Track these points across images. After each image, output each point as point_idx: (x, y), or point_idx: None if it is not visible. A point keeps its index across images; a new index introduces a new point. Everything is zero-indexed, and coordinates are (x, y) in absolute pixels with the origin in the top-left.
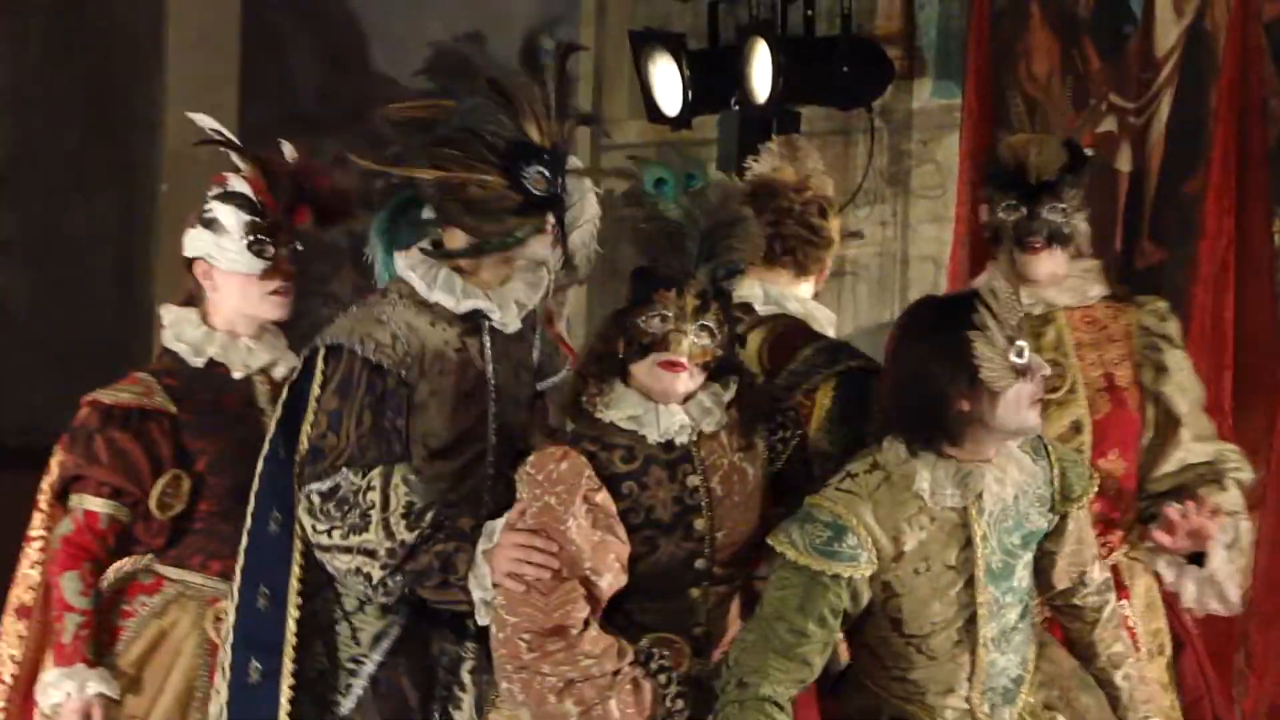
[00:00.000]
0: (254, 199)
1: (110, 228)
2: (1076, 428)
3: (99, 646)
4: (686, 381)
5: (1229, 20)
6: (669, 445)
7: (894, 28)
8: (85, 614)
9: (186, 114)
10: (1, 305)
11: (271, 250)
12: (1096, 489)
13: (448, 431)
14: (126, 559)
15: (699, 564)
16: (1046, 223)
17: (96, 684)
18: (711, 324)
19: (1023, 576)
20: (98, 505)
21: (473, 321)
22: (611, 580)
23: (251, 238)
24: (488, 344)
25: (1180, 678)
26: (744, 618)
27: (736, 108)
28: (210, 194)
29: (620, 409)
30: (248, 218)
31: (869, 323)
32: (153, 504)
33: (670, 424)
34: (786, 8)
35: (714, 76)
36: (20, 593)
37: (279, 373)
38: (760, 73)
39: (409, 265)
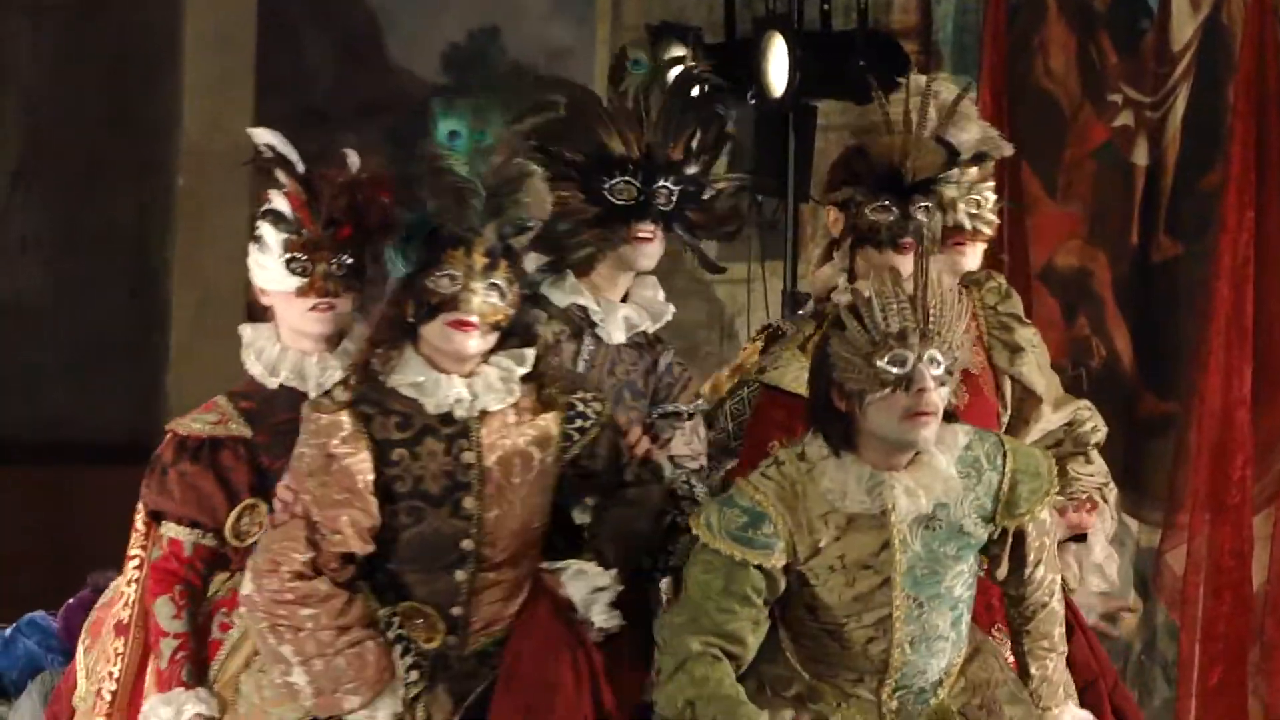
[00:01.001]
0: (291, 215)
1: (128, 224)
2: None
3: (198, 668)
4: (478, 341)
5: (1245, 14)
6: (448, 418)
7: (910, 22)
8: (179, 637)
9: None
10: (20, 302)
11: (309, 267)
12: (1054, 496)
13: None
14: (219, 579)
15: (465, 544)
16: (917, 223)
17: (194, 706)
18: (501, 282)
19: (954, 585)
20: (180, 533)
21: (575, 325)
22: (342, 543)
23: (288, 255)
24: (587, 347)
25: (1070, 664)
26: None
27: (753, 101)
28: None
29: (403, 374)
30: (284, 235)
31: None
32: (229, 534)
33: (448, 395)
34: (803, 2)
35: (730, 70)
36: (119, 610)
37: None
38: (777, 67)
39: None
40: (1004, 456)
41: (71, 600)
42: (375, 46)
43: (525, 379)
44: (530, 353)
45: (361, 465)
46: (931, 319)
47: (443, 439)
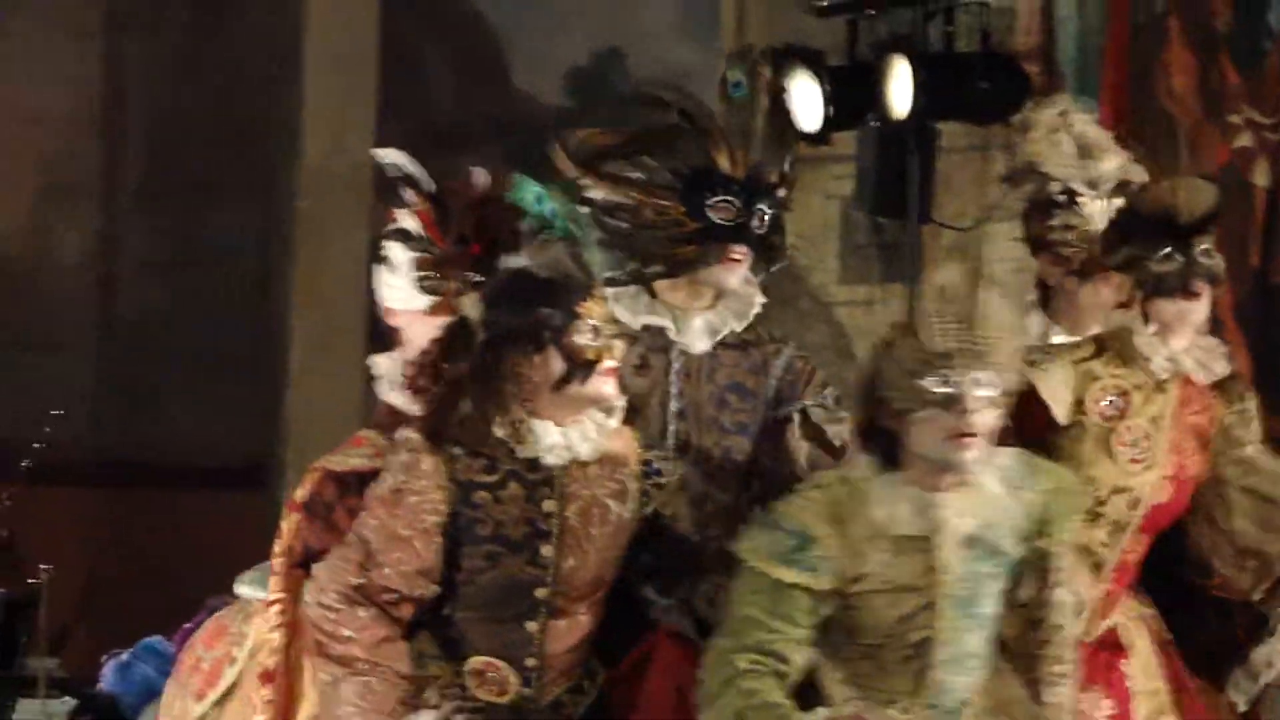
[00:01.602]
0: (420, 234)
1: (248, 242)
2: (1133, 505)
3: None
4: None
5: None
6: (534, 464)
7: (1033, 43)
8: None
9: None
10: (142, 319)
11: (440, 285)
12: (1083, 521)
13: None
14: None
15: (539, 592)
16: (1203, 265)
17: None
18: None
19: (989, 604)
20: None
21: (657, 339)
22: (388, 579)
23: (419, 274)
24: (676, 359)
25: None
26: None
27: (875, 124)
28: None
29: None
30: (414, 254)
31: None
32: None
33: (543, 443)
34: (927, 24)
35: (853, 92)
36: (264, 658)
37: None
38: (899, 89)
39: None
40: (1039, 476)
41: (189, 625)
42: (498, 67)
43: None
44: (622, 403)
45: (433, 507)
46: (981, 340)
47: (526, 485)
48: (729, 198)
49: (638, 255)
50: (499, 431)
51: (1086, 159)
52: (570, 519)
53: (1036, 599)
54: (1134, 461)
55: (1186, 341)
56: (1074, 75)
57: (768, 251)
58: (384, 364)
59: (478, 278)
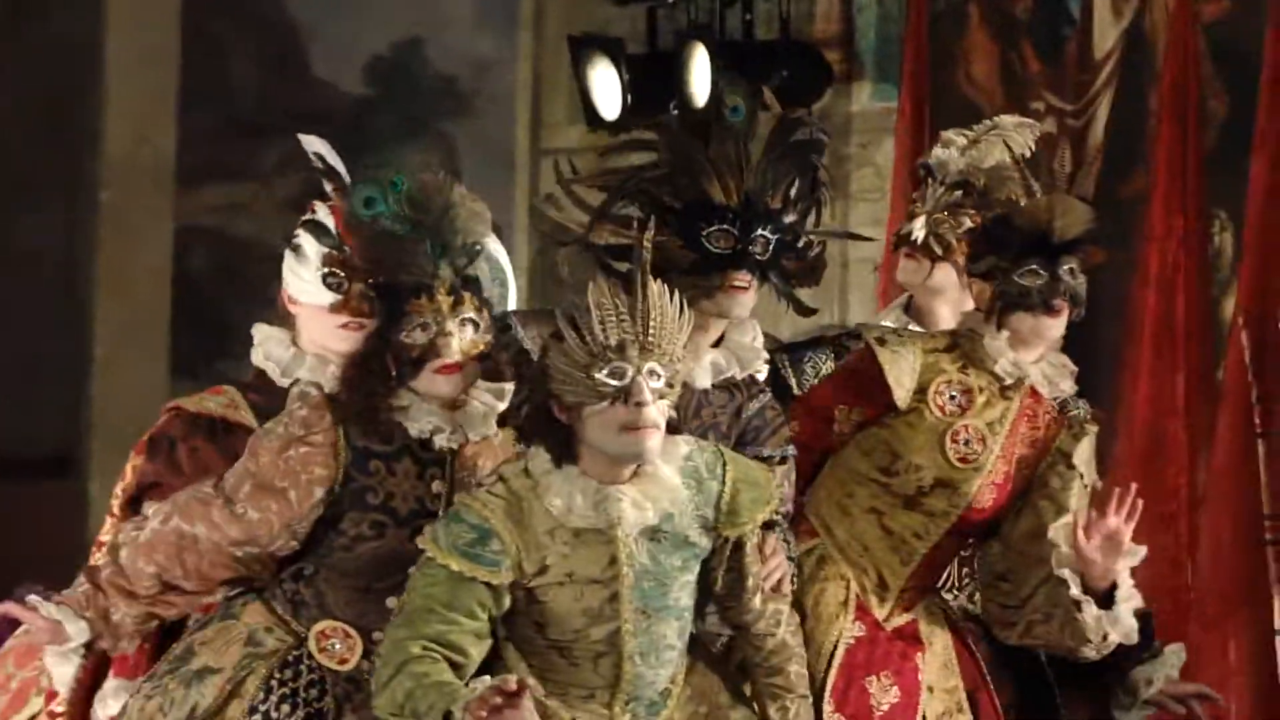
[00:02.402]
0: (334, 231)
1: (54, 238)
2: (953, 504)
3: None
4: (461, 379)
5: (1168, 22)
6: (427, 444)
7: (833, 31)
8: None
9: (127, 126)
10: None
11: (345, 285)
12: (773, 513)
13: None
14: None
15: (411, 569)
16: (1067, 285)
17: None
18: (472, 315)
19: (680, 595)
20: None
21: None
22: (258, 523)
23: (326, 270)
24: None
25: None
26: None
27: (676, 112)
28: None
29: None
30: (323, 250)
31: (808, 325)
32: None
33: (430, 423)
34: (725, 12)
35: (653, 81)
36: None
37: None
38: (700, 77)
39: None
40: (724, 465)
41: None
42: (299, 59)
43: (501, 423)
44: (509, 388)
45: (323, 462)
46: (651, 331)
47: (419, 462)
48: (724, 226)
49: None
50: (393, 409)
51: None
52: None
53: (736, 602)
54: (963, 461)
55: (1036, 355)
56: (874, 62)
57: (802, 276)
58: (262, 333)
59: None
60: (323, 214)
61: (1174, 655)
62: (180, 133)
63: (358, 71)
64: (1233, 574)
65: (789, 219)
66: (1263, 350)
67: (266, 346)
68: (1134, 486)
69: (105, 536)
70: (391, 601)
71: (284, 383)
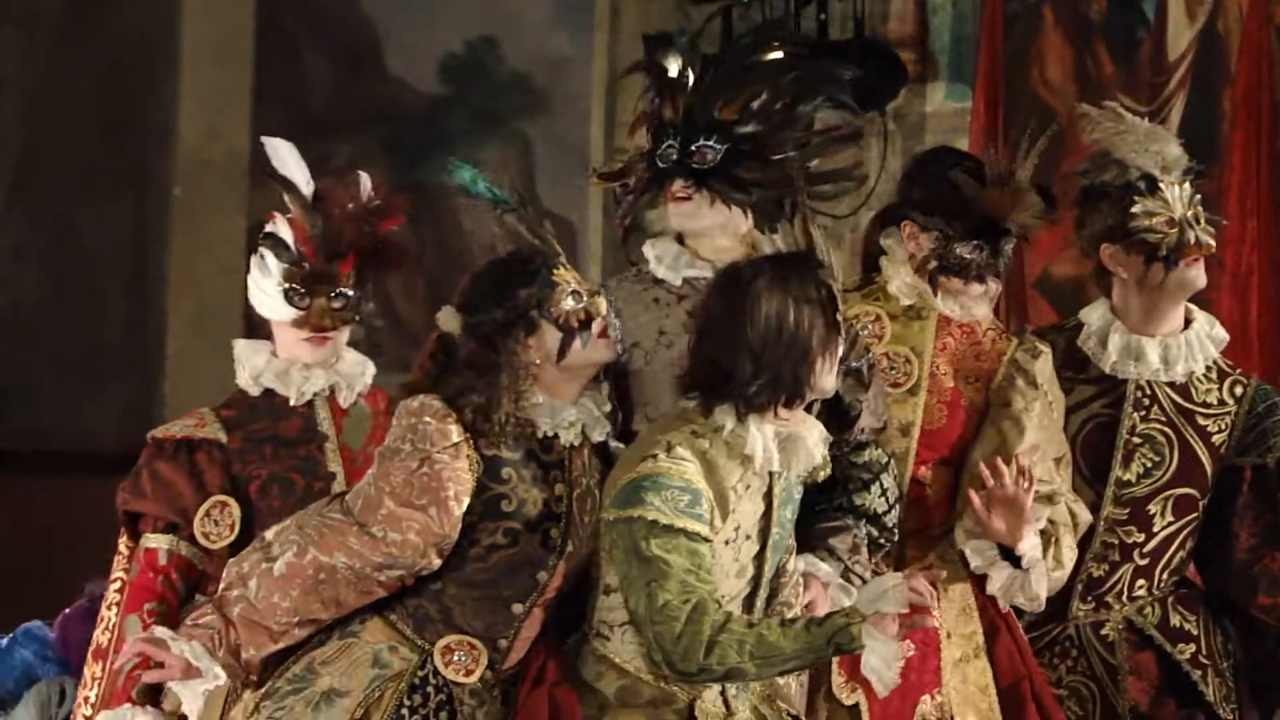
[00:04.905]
0: (294, 247)
1: (124, 233)
2: (905, 430)
3: (153, 688)
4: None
5: (1243, 23)
6: (547, 446)
7: (907, 31)
8: (140, 654)
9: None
10: (15, 311)
11: (306, 301)
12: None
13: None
14: (198, 600)
15: (540, 575)
16: (1003, 262)
17: None
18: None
19: (783, 555)
20: (155, 541)
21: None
22: (401, 546)
23: (286, 285)
24: None
25: (996, 663)
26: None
27: None
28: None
29: (530, 398)
30: (284, 265)
31: None
32: (197, 532)
33: (562, 419)
34: (800, 11)
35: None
36: (99, 634)
37: (345, 398)
38: None
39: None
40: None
41: (68, 610)
42: (373, 57)
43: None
44: (606, 388)
45: (458, 476)
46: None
47: (541, 466)
48: (668, 141)
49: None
50: (516, 412)
51: (1153, 144)
52: (574, 504)
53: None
54: (893, 385)
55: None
56: (949, 64)
57: (764, 185)
58: (242, 347)
59: (348, 292)
60: (283, 228)
61: None
62: (253, 129)
63: (432, 69)
64: None
65: (746, 129)
66: None
67: (244, 359)
68: (1027, 457)
69: (115, 574)
70: (518, 608)
71: (254, 390)
